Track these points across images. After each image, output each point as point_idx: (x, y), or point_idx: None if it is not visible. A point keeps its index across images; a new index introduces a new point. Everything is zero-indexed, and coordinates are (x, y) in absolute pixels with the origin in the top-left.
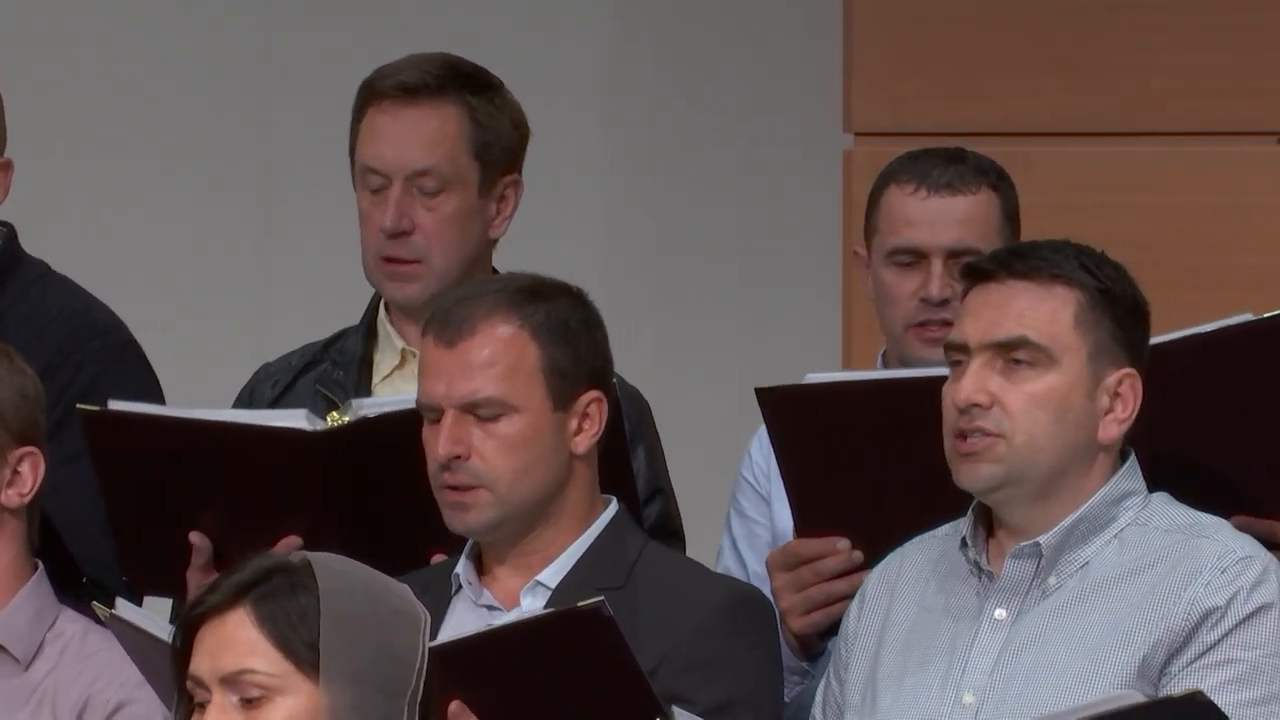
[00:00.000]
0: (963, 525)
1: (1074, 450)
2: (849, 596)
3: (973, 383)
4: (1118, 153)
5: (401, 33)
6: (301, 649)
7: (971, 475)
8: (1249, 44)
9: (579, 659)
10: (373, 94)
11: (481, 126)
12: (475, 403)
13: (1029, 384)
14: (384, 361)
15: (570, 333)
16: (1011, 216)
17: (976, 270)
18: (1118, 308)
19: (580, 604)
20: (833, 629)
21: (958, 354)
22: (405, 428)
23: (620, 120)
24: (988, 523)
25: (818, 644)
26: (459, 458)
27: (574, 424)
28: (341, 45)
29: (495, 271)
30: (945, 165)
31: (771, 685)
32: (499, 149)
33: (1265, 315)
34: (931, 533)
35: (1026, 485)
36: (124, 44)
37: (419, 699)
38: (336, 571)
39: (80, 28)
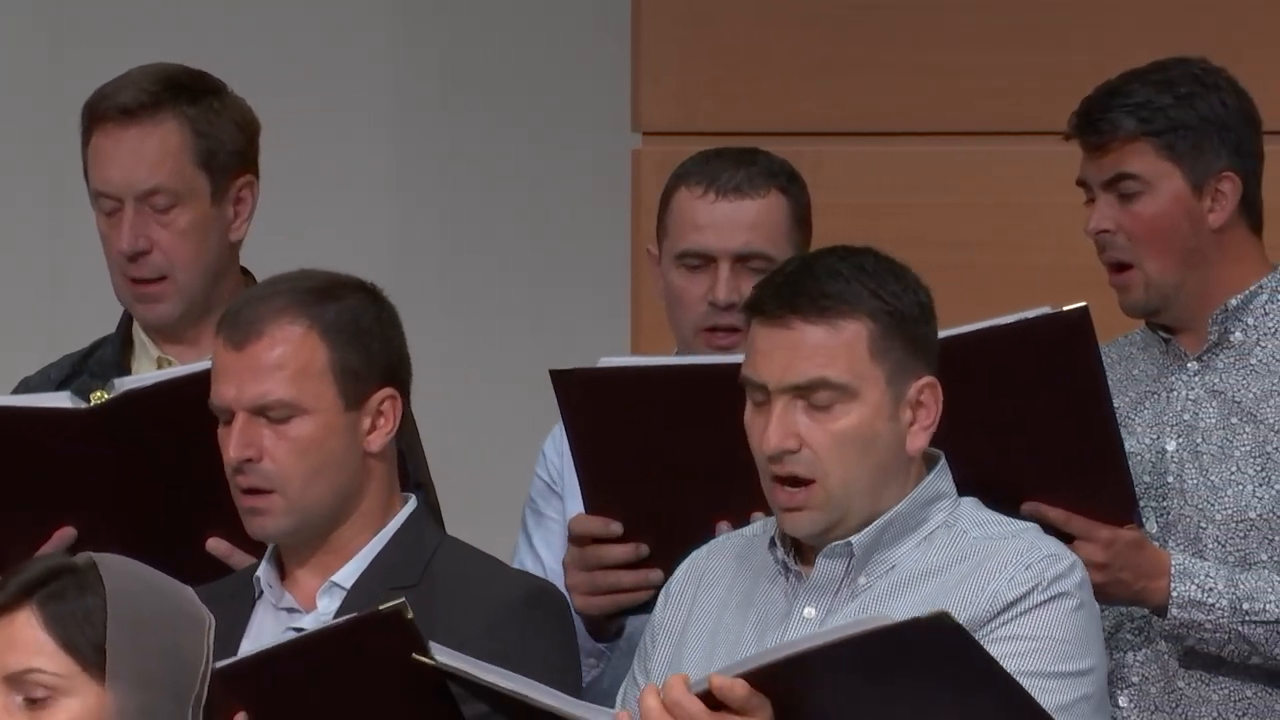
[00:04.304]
0: (771, 525)
1: (886, 471)
2: (636, 590)
3: (778, 430)
4: (907, 152)
5: (189, 38)
6: (88, 650)
7: (795, 526)
8: (1035, 44)
9: (378, 665)
10: (94, 117)
11: (203, 136)
12: (265, 405)
13: (834, 423)
14: (141, 369)
15: (362, 331)
16: (801, 219)
17: (760, 309)
18: (907, 326)
19: (381, 607)
20: (623, 614)
21: (758, 394)
22: (172, 399)
23: (408, 118)
24: None
25: (611, 626)
26: (250, 460)
27: (367, 423)
28: (132, 51)
29: (245, 272)
30: (735, 168)
31: (567, 678)
32: (225, 154)
33: (1063, 308)
34: (740, 530)
35: (850, 520)
36: None
37: (204, 703)
38: (123, 573)
39: None
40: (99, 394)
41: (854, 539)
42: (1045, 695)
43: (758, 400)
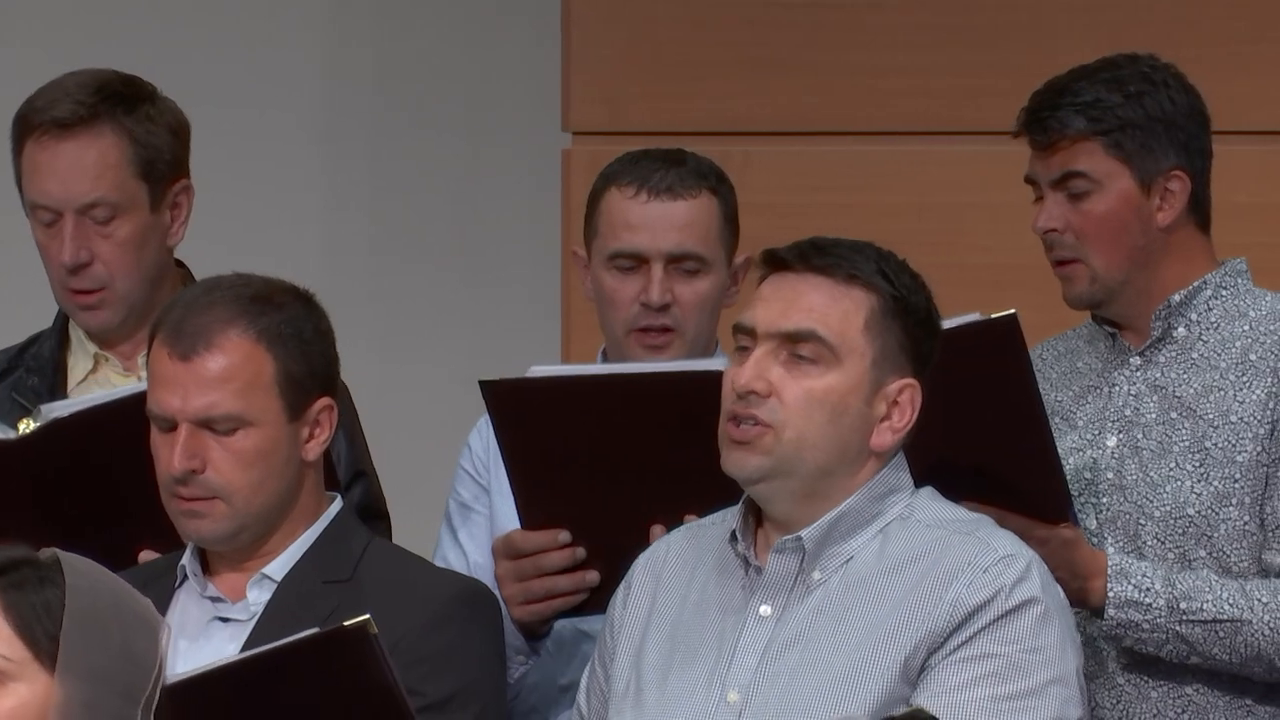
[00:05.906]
0: (732, 517)
1: (844, 452)
2: (571, 593)
3: (753, 370)
4: (835, 152)
5: (113, 39)
6: (43, 639)
7: (738, 463)
8: (966, 43)
9: (340, 680)
10: (28, 128)
11: (142, 145)
12: (212, 418)
13: (809, 380)
14: (78, 366)
15: (304, 342)
16: (731, 218)
17: (775, 259)
18: (909, 317)
19: (346, 623)
20: (557, 615)
21: (745, 339)
22: (100, 426)
23: (339, 118)
24: (757, 517)
25: (541, 627)
26: (194, 472)
27: (305, 432)
28: (56, 52)
29: (183, 269)
30: (665, 168)
31: (496, 678)
32: (163, 162)
33: (992, 315)
34: (699, 521)
35: (792, 481)
36: None
37: (154, 706)
38: (83, 570)
39: None
40: (25, 422)
41: (804, 533)
42: (1029, 714)
43: (742, 345)
